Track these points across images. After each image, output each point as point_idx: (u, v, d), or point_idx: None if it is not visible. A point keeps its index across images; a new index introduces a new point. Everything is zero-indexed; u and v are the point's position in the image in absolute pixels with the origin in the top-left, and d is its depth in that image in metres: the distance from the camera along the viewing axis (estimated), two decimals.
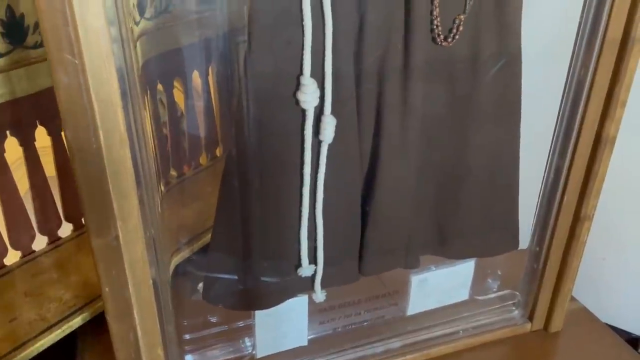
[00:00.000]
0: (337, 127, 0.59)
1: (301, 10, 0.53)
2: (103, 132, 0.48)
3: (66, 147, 0.83)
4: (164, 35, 0.83)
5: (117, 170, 0.50)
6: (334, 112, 0.58)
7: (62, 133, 0.83)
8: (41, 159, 0.82)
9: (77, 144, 0.48)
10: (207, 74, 1.01)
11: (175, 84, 0.97)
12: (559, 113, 0.74)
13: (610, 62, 0.67)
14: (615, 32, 0.66)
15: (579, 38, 0.69)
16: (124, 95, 0.49)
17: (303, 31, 0.53)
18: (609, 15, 0.66)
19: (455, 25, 0.59)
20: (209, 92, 1.01)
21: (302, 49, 0.54)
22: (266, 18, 0.53)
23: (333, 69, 0.56)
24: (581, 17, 0.68)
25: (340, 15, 0.54)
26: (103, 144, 0.48)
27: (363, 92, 0.60)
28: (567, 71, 0.71)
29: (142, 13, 0.73)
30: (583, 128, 0.70)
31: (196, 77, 1.00)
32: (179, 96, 0.98)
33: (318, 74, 0.56)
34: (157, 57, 0.82)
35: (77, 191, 0.86)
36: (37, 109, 0.78)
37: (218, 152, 1.08)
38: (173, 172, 0.98)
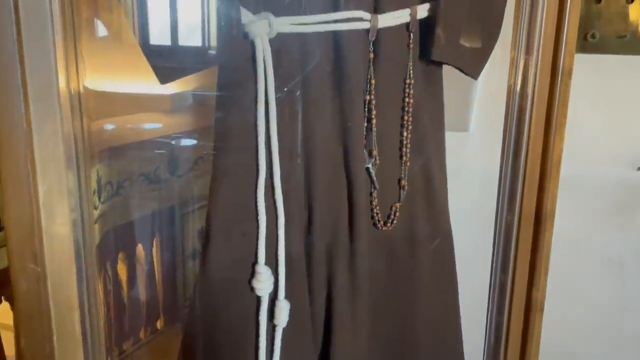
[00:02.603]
0: (290, 309, 0.61)
1: (256, 206, 0.57)
2: (57, 336, 0.48)
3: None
4: (116, 214, 0.85)
5: None
6: (287, 295, 0.61)
7: None
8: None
9: (31, 350, 0.47)
10: (152, 246, 1.02)
11: (121, 257, 0.97)
12: (491, 280, 0.81)
13: (528, 235, 0.76)
14: (529, 207, 0.76)
15: (499, 214, 0.78)
16: (80, 295, 0.49)
17: (258, 224, 0.58)
18: (522, 194, 0.75)
19: (392, 212, 0.66)
20: (153, 264, 1.02)
21: (257, 239, 0.58)
22: (224, 213, 0.58)
23: (285, 256, 0.60)
24: (498, 196, 0.78)
25: (291, 208, 0.59)
26: (56, 349, 0.48)
27: (314, 275, 0.63)
28: (492, 243, 0.79)
29: (99, 198, 0.76)
30: (514, 295, 0.76)
31: (140, 250, 1.01)
32: (123, 271, 0.97)
33: (272, 261, 0.59)
34: (109, 234, 0.84)
35: None
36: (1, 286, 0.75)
37: (159, 324, 1.06)
38: (115, 349, 0.94)
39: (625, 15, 0.88)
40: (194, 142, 0.98)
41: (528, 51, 0.75)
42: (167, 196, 0.99)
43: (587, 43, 0.90)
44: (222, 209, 0.58)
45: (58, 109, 0.46)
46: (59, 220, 0.46)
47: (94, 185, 0.73)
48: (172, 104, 1.00)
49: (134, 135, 0.93)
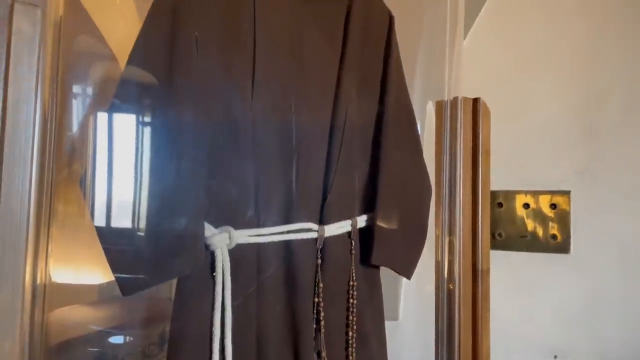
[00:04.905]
0: None
1: None
2: None
3: None
4: None
5: None
6: None
7: None
8: None
9: None
10: None
11: None
12: None
13: None
14: None
15: None
16: None
17: None
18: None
19: None
20: None
21: None
22: None
23: None
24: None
25: None
26: None
27: None
28: None
29: None
30: None
31: None
32: None
33: None
34: None
35: None
36: None
37: None
38: None
39: (523, 219, 1.03)
40: (121, 339, 0.94)
41: (451, 232, 0.85)
42: None
43: (496, 241, 1.02)
44: None
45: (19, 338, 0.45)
46: None
47: None
48: (99, 295, 0.97)
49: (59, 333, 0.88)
